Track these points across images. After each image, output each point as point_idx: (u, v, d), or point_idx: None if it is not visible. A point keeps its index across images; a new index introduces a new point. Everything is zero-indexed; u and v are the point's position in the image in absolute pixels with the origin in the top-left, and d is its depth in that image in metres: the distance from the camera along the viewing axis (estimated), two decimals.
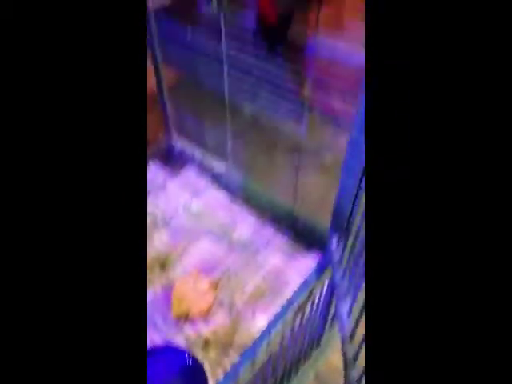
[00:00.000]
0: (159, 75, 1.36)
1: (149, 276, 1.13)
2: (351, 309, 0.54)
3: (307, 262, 1.18)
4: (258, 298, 1.12)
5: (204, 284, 1.10)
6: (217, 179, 1.39)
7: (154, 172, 1.41)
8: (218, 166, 1.35)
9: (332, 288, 0.71)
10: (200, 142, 1.38)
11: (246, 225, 1.30)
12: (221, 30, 1.00)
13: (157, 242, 1.21)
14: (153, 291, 1.11)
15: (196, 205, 1.34)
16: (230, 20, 0.97)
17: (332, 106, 0.94)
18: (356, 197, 0.60)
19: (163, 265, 1.16)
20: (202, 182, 1.40)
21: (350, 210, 0.63)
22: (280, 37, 0.91)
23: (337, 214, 0.67)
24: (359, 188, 0.60)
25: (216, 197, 1.37)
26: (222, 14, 0.97)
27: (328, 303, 0.76)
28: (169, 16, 1.04)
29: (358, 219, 0.59)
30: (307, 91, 0.94)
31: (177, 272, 1.15)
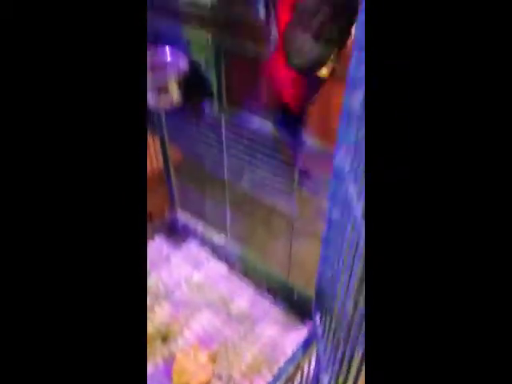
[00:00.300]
0: (166, 156, 1.51)
1: (150, 349, 1.18)
2: (331, 382, 0.61)
3: (303, 333, 1.23)
4: (255, 370, 1.15)
5: (203, 356, 1.15)
6: (217, 251, 1.48)
7: (159, 245, 1.52)
8: (218, 238, 1.45)
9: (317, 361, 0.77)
10: (201, 217, 1.49)
11: (243, 296, 1.37)
12: (221, 126, 1.16)
13: (159, 315, 1.27)
14: (154, 364, 1.15)
15: (197, 277, 1.42)
16: (229, 119, 1.13)
17: (317, 189, 1.06)
18: (338, 272, 0.67)
19: (165, 337, 1.21)
20: (203, 254, 1.49)
21: (332, 287, 0.70)
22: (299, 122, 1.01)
23: (318, 292, 0.75)
24: (341, 264, 0.65)
25: (216, 268, 1.46)
26: (222, 115, 1.14)
27: (317, 376, 0.81)
28: (177, 112, 1.21)
29: (341, 293, 0.66)
30: (296, 175, 1.07)
31: (178, 344, 1.20)
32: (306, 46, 0.81)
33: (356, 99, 0.56)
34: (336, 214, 0.68)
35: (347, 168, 0.61)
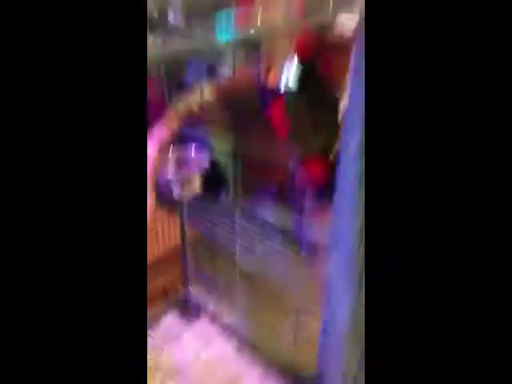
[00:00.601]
0: (184, 234, 1.63)
1: None
2: None
3: None
4: None
5: None
6: (227, 329, 1.54)
7: (171, 322, 1.58)
8: (228, 316, 1.52)
9: None
10: (213, 295, 1.58)
11: (251, 376, 1.40)
12: (235, 213, 1.31)
13: None
14: None
15: (207, 354, 1.47)
16: (243, 208, 1.28)
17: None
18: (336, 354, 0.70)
19: None
20: (214, 332, 1.55)
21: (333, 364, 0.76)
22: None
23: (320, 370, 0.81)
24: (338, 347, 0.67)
25: (226, 346, 1.51)
26: (236, 204, 1.29)
27: None
28: (197, 201, 1.37)
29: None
30: (302, 259, 1.19)
31: None
32: None
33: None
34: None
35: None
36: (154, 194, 0.82)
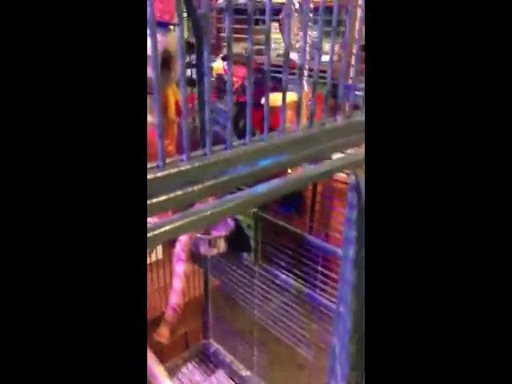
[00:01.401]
0: (207, 286, 1.73)
1: None
2: None
3: None
4: None
5: None
6: (243, 383, 1.60)
7: (191, 371, 1.66)
8: (245, 373, 1.59)
9: None
10: (231, 350, 1.65)
11: None
12: (255, 273, 1.43)
13: None
14: None
15: None
16: (261, 270, 1.40)
17: None
18: None
19: None
20: None
21: None
22: None
23: None
24: None
25: None
26: (256, 266, 1.42)
27: None
28: (220, 257, 1.50)
29: None
30: (314, 323, 1.28)
31: None
32: None
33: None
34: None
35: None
36: (188, 264, 0.94)
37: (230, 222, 1.40)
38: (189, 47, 0.99)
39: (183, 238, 0.94)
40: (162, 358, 1.33)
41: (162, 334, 0.89)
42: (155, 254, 1.69)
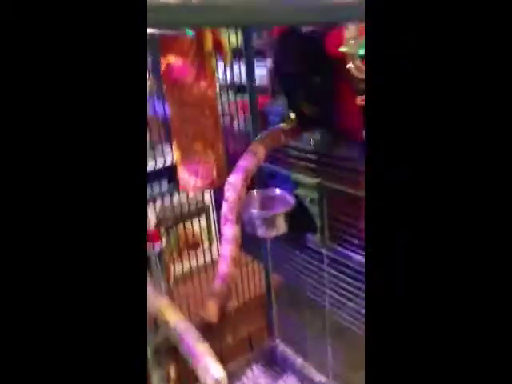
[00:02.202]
0: (269, 283, 1.55)
1: None
2: None
3: None
4: None
5: None
6: None
7: (257, 375, 1.46)
8: (319, 378, 1.35)
9: None
10: (301, 352, 1.43)
11: None
12: (323, 258, 1.20)
13: None
14: None
15: None
16: (333, 252, 1.17)
17: None
18: None
19: None
20: None
21: None
22: None
23: None
24: None
25: None
26: (324, 249, 1.19)
27: None
28: (282, 241, 1.30)
29: None
30: None
31: None
32: None
33: None
34: None
35: None
36: (238, 227, 0.78)
37: (290, 198, 1.21)
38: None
39: (231, 196, 0.76)
40: (224, 360, 1.18)
41: (209, 310, 0.71)
42: (210, 254, 1.55)
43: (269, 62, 1.08)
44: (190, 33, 0.61)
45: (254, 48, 1.04)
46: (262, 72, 1.32)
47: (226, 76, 1.02)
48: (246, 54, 0.99)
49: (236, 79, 1.05)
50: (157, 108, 0.96)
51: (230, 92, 1.13)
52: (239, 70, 1.04)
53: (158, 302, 0.70)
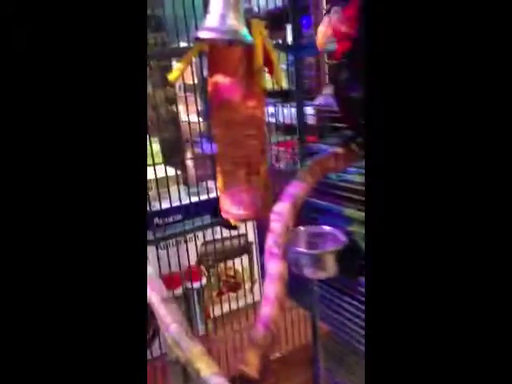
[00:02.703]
0: (316, 333, 1.40)
1: None
2: None
3: None
4: None
5: None
6: None
7: None
8: None
9: None
10: None
11: None
12: None
13: None
14: None
15: None
16: None
17: None
18: None
19: None
20: None
21: None
22: None
23: None
24: None
25: None
26: None
27: None
28: (331, 285, 1.17)
29: None
30: None
31: None
32: None
33: None
34: None
35: None
36: (285, 263, 0.68)
37: (342, 236, 1.09)
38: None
39: (277, 227, 0.67)
40: None
41: (250, 362, 0.59)
42: (252, 296, 1.45)
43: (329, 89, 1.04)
44: (248, 37, 0.57)
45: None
46: (310, 111, 1.30)
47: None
48: (297, 91, 0.98)
49: (285, 119, 1.04)
50: (204, 146, 0.93)
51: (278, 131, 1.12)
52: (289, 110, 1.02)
53: (191, 347, 0.61)
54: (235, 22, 0.54)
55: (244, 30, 0.56)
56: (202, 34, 0.56)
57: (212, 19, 0.56)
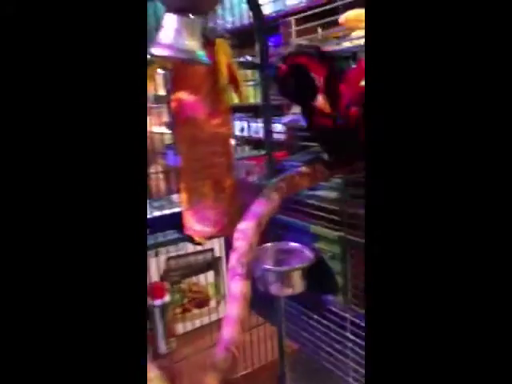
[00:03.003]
0: (282, 349, 1.39)
1: None
2: None
3: None
4: None
5: None
6: None
7: None
8: None
9: None
10: None
11: None
12: (346, 323, 1.05)
13: None
14: None
15: None
16: (357, 316, 1.03)
17: None
18: None
19: None
20: None
21: None
22: None
23: None
24: None
25: None
26: (347, 312, 1.04)
27: None
28: (298, 301, 1.16)
29: None
30: None
31: None
32: None
33: None
34: None
35: None
36: (248, 283, 0.67)
37: (308, 253, 1.09)
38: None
39: (240, 247, 0.66)
40: None
41: None
42: (217, 313, 1.43)
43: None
44: (205, 59, 0.55)
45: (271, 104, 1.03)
46: (278, 128, 1.30)
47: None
48: (264, 108, 0.98)
49: (253, 134, 1.04)
50: (170, 158, 0.90)
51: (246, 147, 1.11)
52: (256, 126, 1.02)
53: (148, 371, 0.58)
54: (191, 42, 0.53)
55: (200, 51, 0.55)
56: (156, 51, 0.54)
57: (166, 35, 0.54)
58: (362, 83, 0.59)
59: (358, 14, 0.53)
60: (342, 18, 0.57)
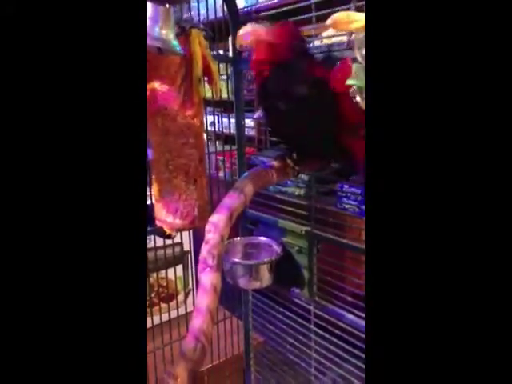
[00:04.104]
0: (248, 342, 1.40)
1: None
2: None
3: None
4: None
5: None
6: None
7: None
8: None
9: None
10: None
11: None
12: (310, 315, 1.08)
13: None
14: None
15: None
16: (321, 309, 1.06)
17: None
18: None
19: None
20: None
21: None
22: None
23: None
24: None
25: None
26: (311, 304, 1.07)
27: None
28: (264, 295, 1.18)
29: None
30: None
31: None
32: None
33: None
34: None
35: None
36: (218, 274, 0.67)
37: (276, 247, 1.11)
38: None
39: (212, 238, 0.66)
40: None
41: (178, 376, 0.57)
42: (185, 307, 1.42)
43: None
44: (179, 49, 0.55)
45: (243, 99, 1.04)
46: (249, 124, 1.30)
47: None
48: (236, 103, 0.99)
49: (226, 129, 1.04)
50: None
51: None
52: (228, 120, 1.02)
53: None
54: (165, 31, 0.53)
55: (174, 41, 0.55)
56: None
57: None
58: (348, 82, 0.61)
59: (348, 15, 0.54)
60: (330, 19, 0.57)
